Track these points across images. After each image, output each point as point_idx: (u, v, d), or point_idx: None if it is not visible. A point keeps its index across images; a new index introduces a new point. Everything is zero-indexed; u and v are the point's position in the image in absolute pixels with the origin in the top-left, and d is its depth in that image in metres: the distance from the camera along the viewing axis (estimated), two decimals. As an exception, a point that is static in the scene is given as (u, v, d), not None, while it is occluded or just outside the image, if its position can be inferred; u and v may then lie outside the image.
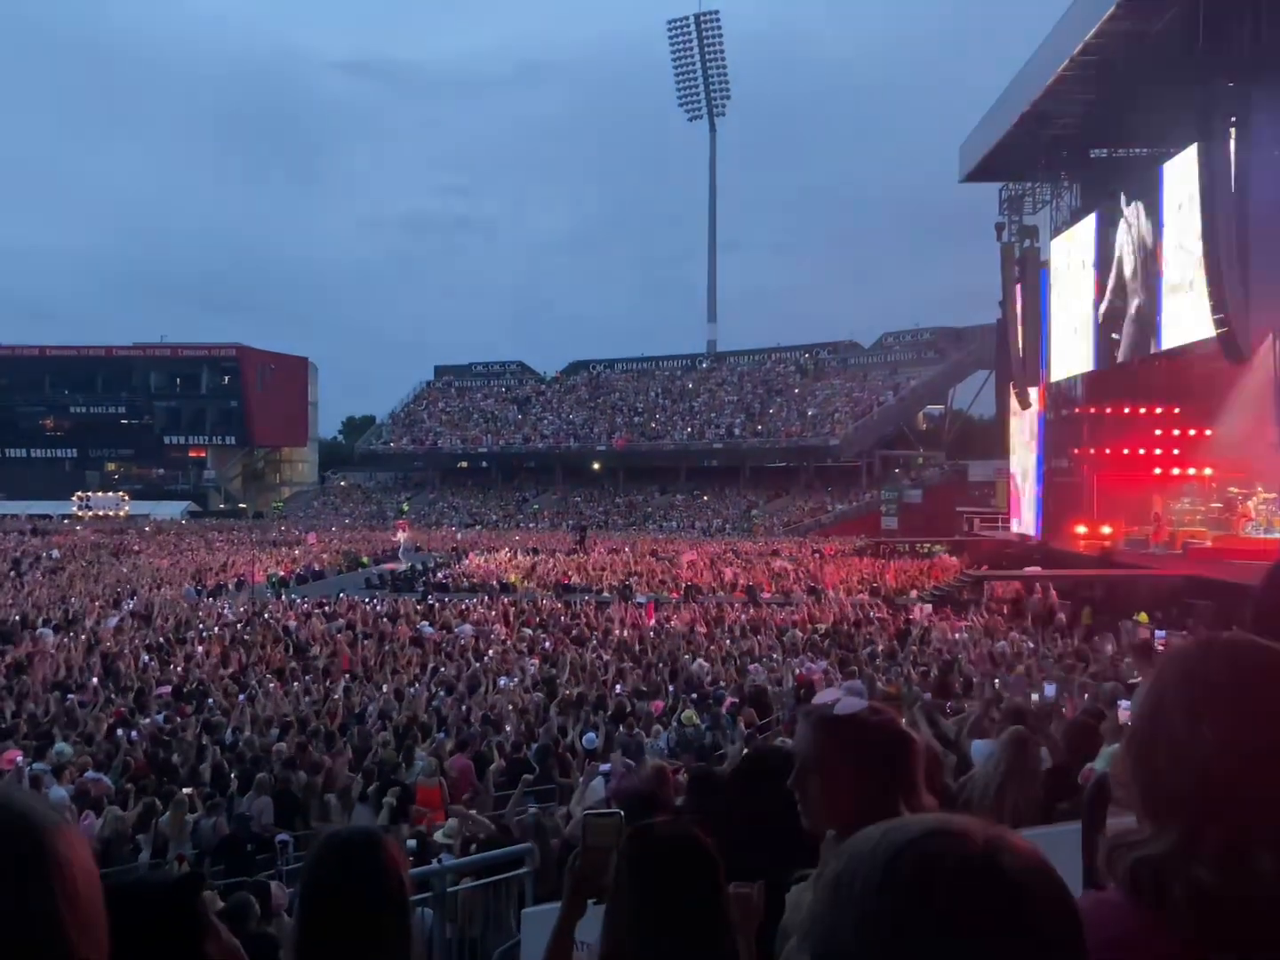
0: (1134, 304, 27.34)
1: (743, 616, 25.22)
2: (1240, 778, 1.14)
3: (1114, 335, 28.69)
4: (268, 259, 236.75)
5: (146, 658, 19.67)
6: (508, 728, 13.43)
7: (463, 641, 21.59)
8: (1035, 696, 11.45)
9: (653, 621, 24.75)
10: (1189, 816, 1.16)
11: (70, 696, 15.46)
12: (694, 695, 15.03)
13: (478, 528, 64.24)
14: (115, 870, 8.22)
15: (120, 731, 13.12)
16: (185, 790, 10.23)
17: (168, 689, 16.27)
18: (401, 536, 50.00)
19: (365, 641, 21.63)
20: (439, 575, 39.90)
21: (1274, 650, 1.23)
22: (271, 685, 16.93)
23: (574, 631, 22.95)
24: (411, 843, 8.63)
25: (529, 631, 23.29)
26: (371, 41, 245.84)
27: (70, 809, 9.69)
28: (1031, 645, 18.64)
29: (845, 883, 0.96)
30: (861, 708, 2.11)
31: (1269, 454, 21.12)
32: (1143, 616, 20.91)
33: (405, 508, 74.26)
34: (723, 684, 16.21)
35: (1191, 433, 29.27)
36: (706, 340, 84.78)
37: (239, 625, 24.42)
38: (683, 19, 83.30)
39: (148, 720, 13.97)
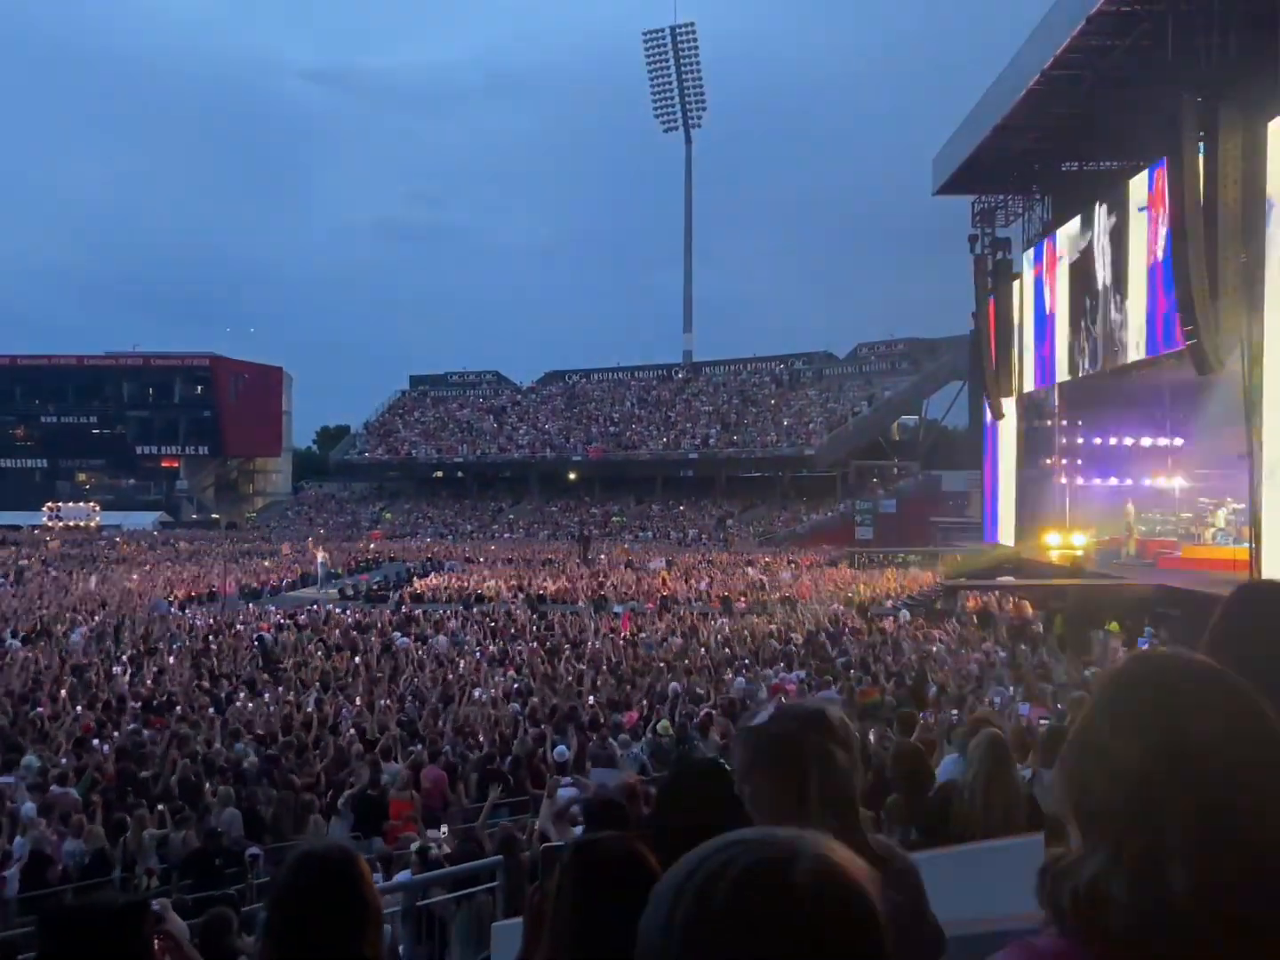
0: (1104, 315, 27.60)
1: (721, 626, 25.26)
2: (1157, 788, 1.14)
3: (1085, 346, 28.95)
4: (240, 268, 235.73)
5: (117, 669, 19.49)
6: (481, 739, 13.38)
7: (436, 652, 21.50)
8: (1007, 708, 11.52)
9: (627, 632, 24.74)
10: (1114, 830, 1.15)
11: (38, 710, 15.29)
12: (669, 706, 15.04)
13: (449, 539, 64.03)
14: (87, 885, 8.13)
15: (96, 742, 12.98)
16: (159, 806, 10.12)
17: (137, 702, 16.10)
18: (320, 557, 42.60)
19: (337, 653, 21.49)
20: (413, 586, 39.76)
21: (1200, 663, 1.24)
22: (241, 696, 16.81)
23: (548, 643, 22.90)
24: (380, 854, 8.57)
25: (503, 643, 23.22)
26: (340, 51, 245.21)
27: (39, 823, 9.59)
28: (1004, 655, 18.72)
29: (657, 891, 1.00)
30: (767, 717, 2.14)
31: (1238, 465, 21.32)
32: (1114, 626, 21.05)
33: (389, 515, 74.00)
34: (699, 691, 16.21)
35: (1162, 443, 29.56)
36: (683, 350, 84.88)
37: (210, 636, 24.23)
38: (658, 31, 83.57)
39: (117, 733, 13.82)
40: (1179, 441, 28.15)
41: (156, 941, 2.49)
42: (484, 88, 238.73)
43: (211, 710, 15.48)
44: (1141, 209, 23.76)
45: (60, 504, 74.82)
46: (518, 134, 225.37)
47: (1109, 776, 1.17)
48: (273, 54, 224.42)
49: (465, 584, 38.70)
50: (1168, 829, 1.12)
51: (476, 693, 16.45)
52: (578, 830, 7.29)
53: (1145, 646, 17.54)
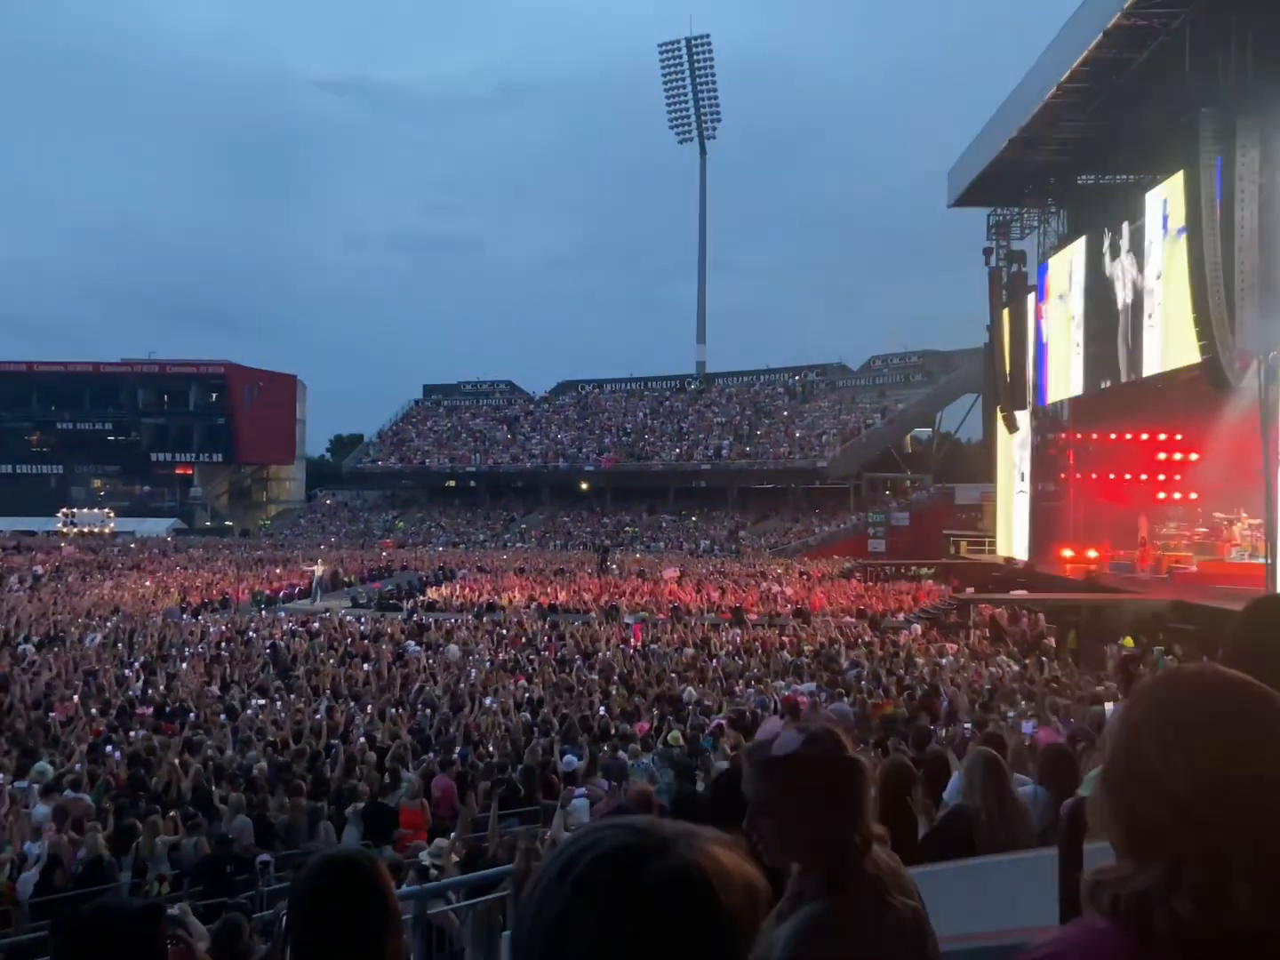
0: (1120, 329, 27.51)
1: (733, 637, 25.21)
2: (1215, 809, 1.14)
3: (1101, 360, 28.85)
4: (256, 276, 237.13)
5: (129, 675, 19.56)
6: (492, 748, 13.37)
7: (448, 661, 21.51)
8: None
9: (639, 642, 24.71)
10: (1169, 849, 1.16)
11: (51, 715, 15.34)
12: (684, 715, 15.01)
13: (461, 547, 64.11)
14: (94, 891, 8.15)
15: (109, 748, 13.02)
16: (171, 812, 10.14)
17: (149, 708, 16.15)
18: (317, 571, 41.43)
19: (349, 661, 21.52)
20: (425, 595, 39.80)
21: (1241, 680, 1.23)
22: (254, 704, 16.84)
23: (559, 652, 22.89)
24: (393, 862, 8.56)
25: (514, 652, 23.22)
26: (355, 61, 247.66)
27: (51, 827, 9.62)
28: (1016, 669, 18.65)
29: (538, 871, 1.03)
30: (798, 744, 2.08)
31: (1253, 480, 21.22)
32: (1128, 640, 20.95)
33: (401, 524, 74.11)
34: (708, 703, 16.18)
35: (1177, 458, 29.44)
36: (695, 361, 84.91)
37: (222, 643, 24.29)
38: (674, 42, 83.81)
39: (130, 738, 13.86)
40: (1194, 456, 28.03)
41: (170, 946, 2.49)
42: (498, 99, 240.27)
43: (223, 717, 15.51)
44: (1182, 231, 23.43)
45: (75, 510, 75.16)
46: (532, 145, 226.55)
47: (1161, 800, 1.17)
48: (288, 65, 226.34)
49: (478, 593, 38.73)
50: (1228, 852, 1.12)
51: (487, 701, 16.44)
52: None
53: (1160, 663, 17.46)
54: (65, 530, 70.82)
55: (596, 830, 1.02)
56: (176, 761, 12.16)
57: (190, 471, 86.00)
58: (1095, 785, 1.27)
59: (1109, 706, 10.94)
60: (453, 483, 79.32)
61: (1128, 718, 1.26)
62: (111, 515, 75.30)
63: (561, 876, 0.98)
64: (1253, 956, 1.10)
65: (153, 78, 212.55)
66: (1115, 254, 27.77)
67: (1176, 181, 22.20)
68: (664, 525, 68.76)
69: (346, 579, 46.32)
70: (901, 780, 5.66)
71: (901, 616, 30.07)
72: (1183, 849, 1.14)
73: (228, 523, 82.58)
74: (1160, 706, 1.23)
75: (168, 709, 16.39)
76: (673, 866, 0.96)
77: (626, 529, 68.30)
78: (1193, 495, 28.62)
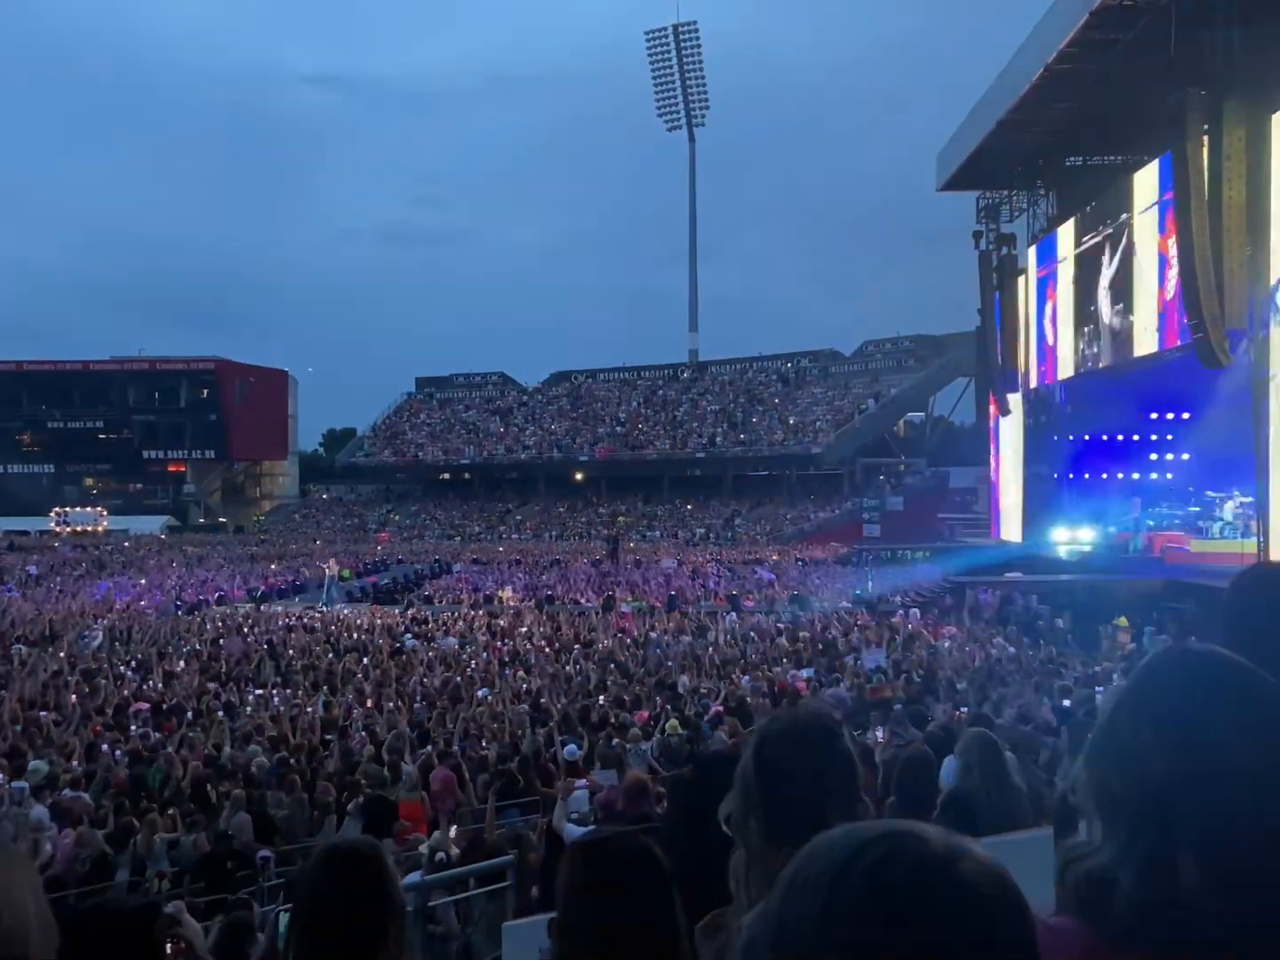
0: (1108, 311, 27.53)
1: (730, 624, 25.25)
2: (1170, 782, 1.14)
3: (1091, 341, 28.88)
4: (245, 272, 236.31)
5: (128, 673, 19.55)
6: (490, 739, 13.38)
7: (445, 653, 21.52)
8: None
9: (635, 631, 24.75)
10: (1128, 823, 1.16)
11: (45, 714, 15.32)
12: (681, 703, 15.04)
13: (457, 540, 64.11)
14: (91, 890, 8.15)
15: (105, 748, 13.01)
16: (169, 810, 10.14)
17: (146, 705, 16.14)
18: (329, 570, 39.54)
19: (346, 655, 21.53)
20: (422, 589, 39.81)
21: (1223, 657, 1.24)
22: (252, 698, 16.84)
23: (557, 643, 22.92)
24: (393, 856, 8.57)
25: (511, 643, 23.24)
26: (341, 55, 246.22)
27: (50, 827, 9.61)
28: (1013, 651, 18.69)
29: (800, 881, 0.96)
30: (786, 722, 2.00)
31: (1245, 458, 21.27)
32: (1123, 621, 21.01)
33: (396, 517, 74.09)
34: (704, 691, 16.21)
35: (1169, 437, 29.50)
36: (688, 350, 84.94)
37: (218, 640, 24.28)
38: (661, 30, 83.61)
39: (128, 736, 13.86)
40: (1185, 435, 28.10)
41: (170, 945, 2.50)
42: (485, 90, 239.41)
43: (221, 713, 15.51)
44: (1167, 209, 23.40)
45: (67, 509, 75.05)
46: (520, 135, 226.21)
47: (1127, 771, 1.18)
48: (275, 59, 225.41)
49: (476, 587, 38.76)
50: (1180, 824, 1.12)
51: (484, 693, 16.46)
52: (580, 830, 7.29)
53: (1148, 640, 17.54)
54: (58, 529, 70.72)
55: (870, 843, 0.95)
56: (176, 759, 12.16)
57: (183, 469, 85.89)
58: (1079, 759, 1.28)
59: (1100, 690, 10.98)
60: (447, 475, 79.35)
61: (1113, 694, 1.28)
62: (104, 514, 75.23)
63: (874, 897, 0.91)
64: (1195, 933, 1.08)
65: (138, 74, 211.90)
66: (1102, 236, 27.77)
67: (1165, 162, 22.21)
68: (660, 514, 68.83)
69: (342, 574, 46.31)
70: (922, 769, 5.64)
71: (898, 599, 30.12)
72: (1139, 823, 1.15)
73: (221, 519, 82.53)
74: (1140, 682, 1.25)
75: (165, 707, 16.39)
76: (982, 870, 0.94)
77: (622, 519, 68.35)
78: (1185, 477, 28.69)
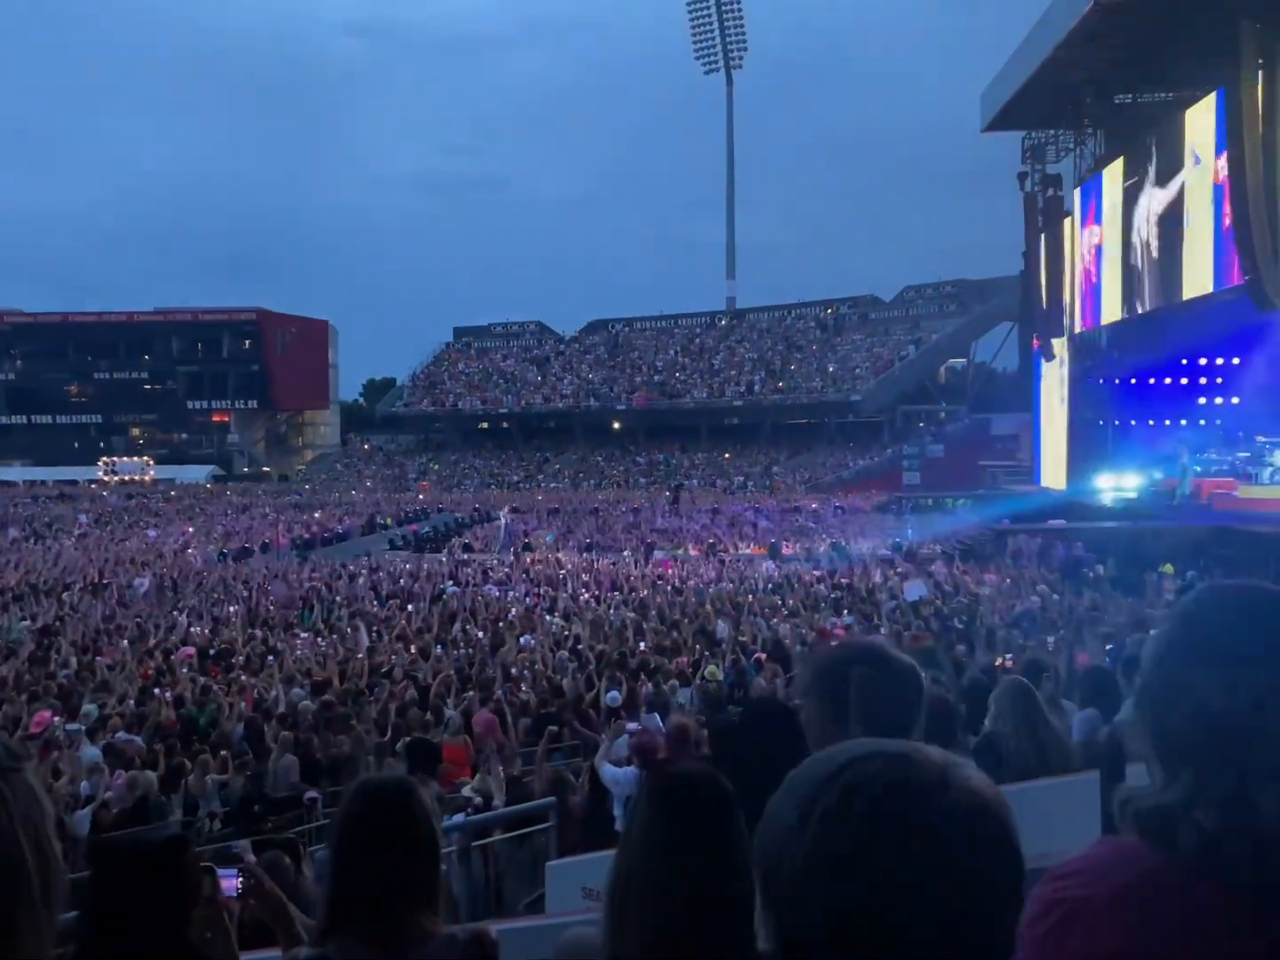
0: (1157, 253, 26.97)
1: (770, 572, 25.29)
2: (1238, 719, 1.13)
3: (1138, 284, 28.33)
4: (283, 222, 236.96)
5: (182, 618, 19.90)
6: (529, 685, 13.51)
7: (487, 600, 21.71)
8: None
9: (672, 577, 24.85)
10: (1195, 761, 1.15)
11: (99, 659, 15.66)
12: (717, 651, 15.10)
13: (493, 488, 64.49)
14: (145, 829, 8.35)
15: (157, 690, 13.28)
16: (221, 751, 10.35)
17: (192, 650, 16.44)
18: (503, 518, 40.61)
19: (390, 602, 21.78)
20: (464, 536, 40.09)
21: (1266, 590, 1.22)
22: (299, 643, 17.10)
23: (596, 590, 23.04)
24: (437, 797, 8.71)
25: (552, 590, 23.40)
26: (372, 2, 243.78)
27: (103, 768, 9.84)
28: (1056, 598, 18.58)
29: (796, 778, 1.00)
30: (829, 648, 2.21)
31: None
32: (1168, 568, 20.80)
33: (436, 466, 74.62)
34: (744, 638, 16.25)
35: (1219, 382, 28.98)
36: (726, 297, 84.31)
37: (265, 585, 24.63)
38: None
39: (178, 680, 14.13)
40: (1235, 380, 27.60)
41: (240, 880, 2.56)
42: (519, 35, 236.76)
43: (270, 658, 15.77)
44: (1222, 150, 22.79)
45: (115, 459, 76.15)
46: (554, 81, 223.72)
47: (1188, 712, 1.16)
48: (309, 8, 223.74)
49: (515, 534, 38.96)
50: (1253, 758, 1.11)
51: (525, 639, 16.60)
52: (632, 770, 7.36)
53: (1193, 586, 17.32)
54: (106, 479, 71.84)
55: (863, 759, 0.98)
56: (224, 702, 12.40)
57: (227, 419, 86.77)
58: (1130, 704, 1.27)
59: (1151, 632, 10.89)
60: (485, 425, 79.60)
61: (1161, 634, 1.26)
62: (151, 463, 76.30)
63: (845, 805, 0.95)
64: (1275, 862, 1.08)
65: (174, 26, 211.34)
66: (1153, 176, 27.13)
67: (1215, 99, 21.60)
68: (698, 463, 68.74)
69: (384, 521, 46.77)
70: (940, 714, 5.62)
71: (937, 547, 30.00)
72: (1208, 762, 1.14)
73: (265, 468, 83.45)
74: (1189, 620, 1.23)
75: (212, 652, 16.69)
76: (970, 798, 0.95)
77: (660, 467, 68.35)
78: (1234, 422, 28.18)
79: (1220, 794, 1.12)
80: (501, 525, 39.14)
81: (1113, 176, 30.12)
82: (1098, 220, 31.57)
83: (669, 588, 22.95)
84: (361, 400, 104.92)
